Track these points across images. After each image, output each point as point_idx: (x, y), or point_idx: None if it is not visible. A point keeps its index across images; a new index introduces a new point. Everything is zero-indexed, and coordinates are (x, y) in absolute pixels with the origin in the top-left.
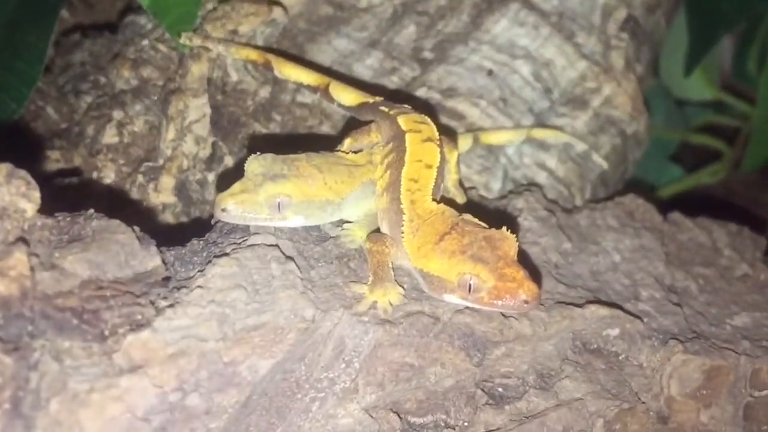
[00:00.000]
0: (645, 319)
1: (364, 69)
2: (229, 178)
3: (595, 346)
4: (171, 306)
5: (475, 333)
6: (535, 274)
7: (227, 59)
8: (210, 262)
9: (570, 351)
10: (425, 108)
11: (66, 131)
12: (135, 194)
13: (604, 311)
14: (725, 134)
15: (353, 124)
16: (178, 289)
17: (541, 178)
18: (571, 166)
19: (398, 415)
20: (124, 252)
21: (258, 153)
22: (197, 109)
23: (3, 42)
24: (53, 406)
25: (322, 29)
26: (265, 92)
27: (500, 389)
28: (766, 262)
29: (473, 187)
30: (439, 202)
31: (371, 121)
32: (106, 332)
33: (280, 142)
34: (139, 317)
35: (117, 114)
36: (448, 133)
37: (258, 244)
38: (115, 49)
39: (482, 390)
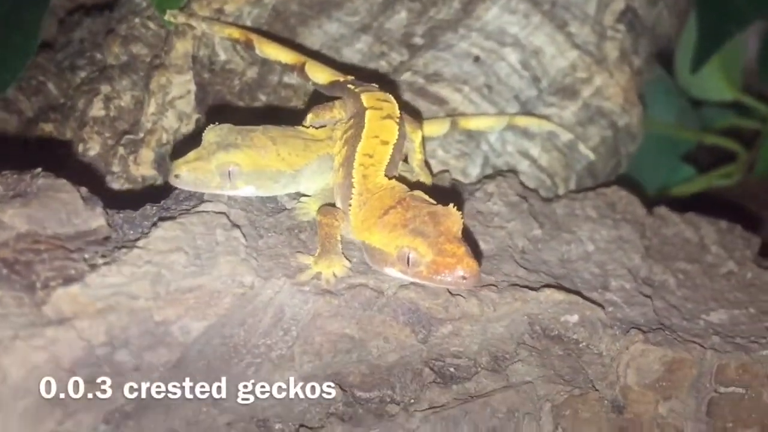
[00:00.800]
0: (610, 309)
1: (352, 53)
2: (187, 146)
3: (556, 332)
4: (107, 264)
5: (420, 309)
6: (477, 252)
7: (215, 38)
8: (155, 225)
9: (528, 335)
10: (390, 87)
11: (62, 105)
12: (117, 166)
13: (559, 296)
14: (745, 137)
15: (319, 100)
16: (119, 248)
17: (524, 166)
18: (556, 155)
19: (341, 388)
20: (66, 210)
21: (216, 123)
22: (181, 85)
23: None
24: None
25: (314, 12)
26: (252, 73)
27: (452, 369)
28: (759, 262)
29: (446, 171)
30: (391, 179)
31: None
32: (38, 284)
33: (248, 115)
34: (72, 272)
35: (105, 88)
36: (414, 114)
37: (207, 211)
38: (112, 27)
39: (431, 369)
